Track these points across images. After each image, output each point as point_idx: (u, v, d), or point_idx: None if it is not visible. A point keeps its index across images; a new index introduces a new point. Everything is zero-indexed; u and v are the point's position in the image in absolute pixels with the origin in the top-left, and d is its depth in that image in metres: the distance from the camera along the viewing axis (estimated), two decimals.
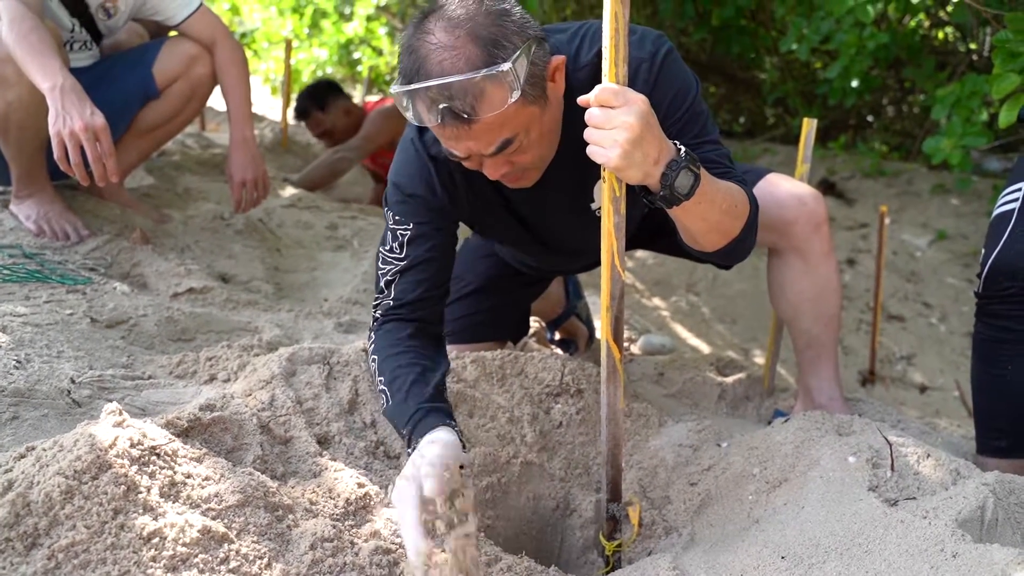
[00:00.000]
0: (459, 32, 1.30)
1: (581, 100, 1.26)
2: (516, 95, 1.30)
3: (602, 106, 1.21)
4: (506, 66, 1.28)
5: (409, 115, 1.37)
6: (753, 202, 1.50)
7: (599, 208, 1.37)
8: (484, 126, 1.32)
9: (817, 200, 1.83)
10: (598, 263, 1.32)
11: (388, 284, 1.61)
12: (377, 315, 1.63)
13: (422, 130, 1.58)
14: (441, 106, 1.29)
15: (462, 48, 1.29)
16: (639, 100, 1.21)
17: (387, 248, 1.61)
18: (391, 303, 1.61)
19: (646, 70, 1.47)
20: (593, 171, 1.32)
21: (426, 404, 1.40)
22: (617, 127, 1.20)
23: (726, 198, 1.41)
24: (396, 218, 1.61)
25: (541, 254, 2.01)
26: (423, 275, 1.61)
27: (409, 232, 1.59)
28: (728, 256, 1.54)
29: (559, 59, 1.42)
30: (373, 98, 6.72)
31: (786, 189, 1.84)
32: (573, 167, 1.54)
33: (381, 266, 1.63)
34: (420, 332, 1.61)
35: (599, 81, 1.23)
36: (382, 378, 1.50)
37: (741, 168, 1.82)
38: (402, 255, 1.59)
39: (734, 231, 1.46)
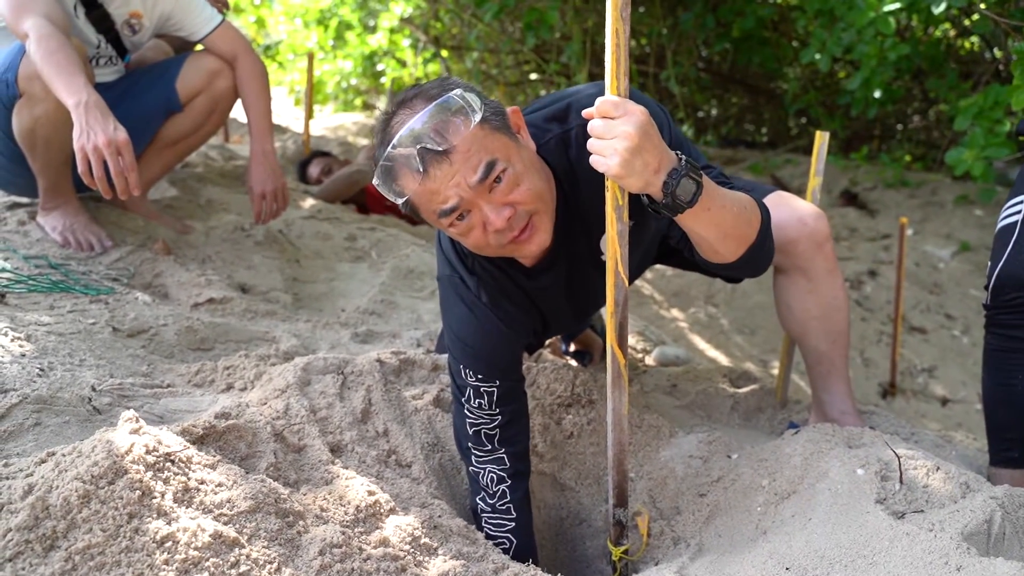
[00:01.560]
0: (412, 102, 1.42)
1: (584, 113, 1.30)
2: (477, 116, 1.36)
3: (603, 117, 1.25)
4: (456, 91, 1.37)
5: (397, 197, 1.41)
6: (763, 207, 1.52)
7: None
8: (461, 154, 1.35)
9: (819, 219, 1.83)
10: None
11: (491, 438, 1.68)
12: (492, 471, 1.68)
13: (465, 283, 1.64)
14: (416, 148, 1.34)
15: (417, 106, 1.40)
16: (638, 111, 1.25)
17: (475, 403, 1.67)
18: (506, 459, 1.68)
19: None
20: (598, 229, 1.37)
21: None
22: (617, 136, 1.24)
23: (735, 203, 1.42)
24: (477, 376, 1.66)
25: (573, 325, 2.14)
26: (523, 424, 1.73)
27: (496, 388, 1.66)
28: (751, 264, 1.54)
29: (513, 109, 1.47)
30: None
31: (788, 208, 1.84)
32: (580, 233, 1.59)
33: (472, 417, 1.68)
34: (528, 477, 1.73)
35: (567, 148, 1.38)
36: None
37: (746, 186, 1.84)
38: (495, 411, 1.67)
39: (750, 236, 1.47)
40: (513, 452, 1.68)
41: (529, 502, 1.71)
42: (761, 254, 1.53)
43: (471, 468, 1.70)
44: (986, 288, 1.85)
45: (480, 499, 1.68)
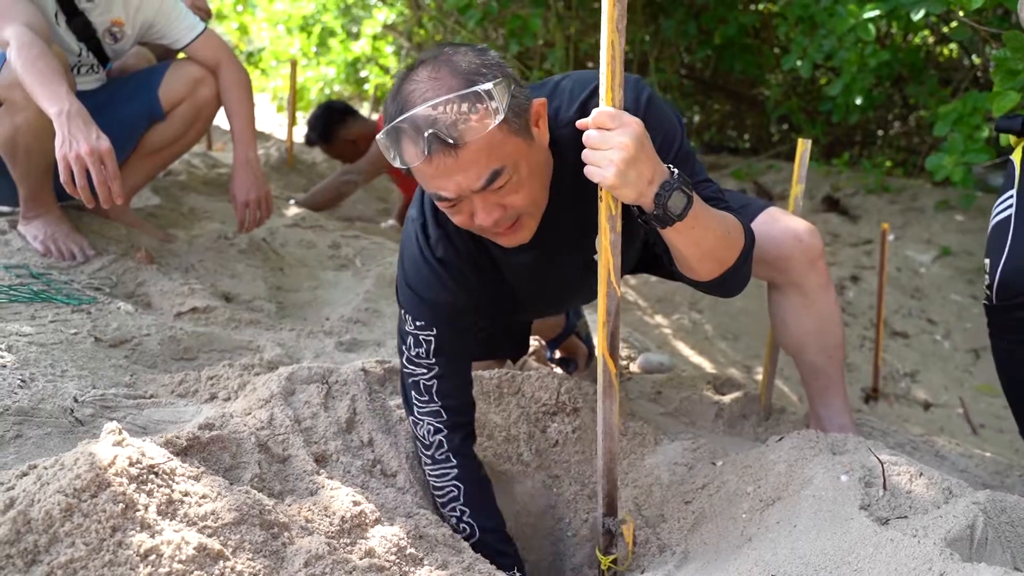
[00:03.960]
0: (440, 69, 1.35)
1: (580, 123, 1.30)
2: (499, 118, 1.31)
3: (599, 128, 1.26)
4: (486, 85, 1.31)
5: (396, 161, 1.37)
6: (748, 233, 1.53)
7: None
8: (471, 154, 1.32)
9: (812, 235, 1.85)
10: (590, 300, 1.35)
11: (428, 389, 1.67)
12: (429, 423, 1.67)
13: (425, 231, 1.62)
14: (427, 133, 1.30)
15: (443, 79, 1.33)
16: (634, 122, 1.26)
17: (413, 352, 1.66)
18: (442, 412, 1.67)
19: None
20: (591, 224, 1.37)
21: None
22: (613, 147, 1.24)
23: (720, 225, 1.44)
24: (417, 323, 1.65)
25: (547, 310, 2.09)
26: (462, 378, 1.70)
27: (434, 339, 1.64)
28: (723, 286, 1.55)
29: (540, 101, 1.44)
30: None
31: (782, 225, 1.85)
32: (571, 224, 1.58)
33: (411, 368, 1.67)
34: (472, 435, 1.72)
35: (580, 139, 1.29)
36: (472, 513, 1.65)
37: (740, 201, 1.85)
38: (432, 361, 1.65)
39: (729, 260, 1.49)
40: (450, 405, 1.67)
41: (471, 451, 1.70)
42: (736, 278, 1.54)
43: (411, 418, 1.70)
44: (988, 288, 1.84)
45: (421, 451, 1.68)
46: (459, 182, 1.36)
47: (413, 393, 1.68)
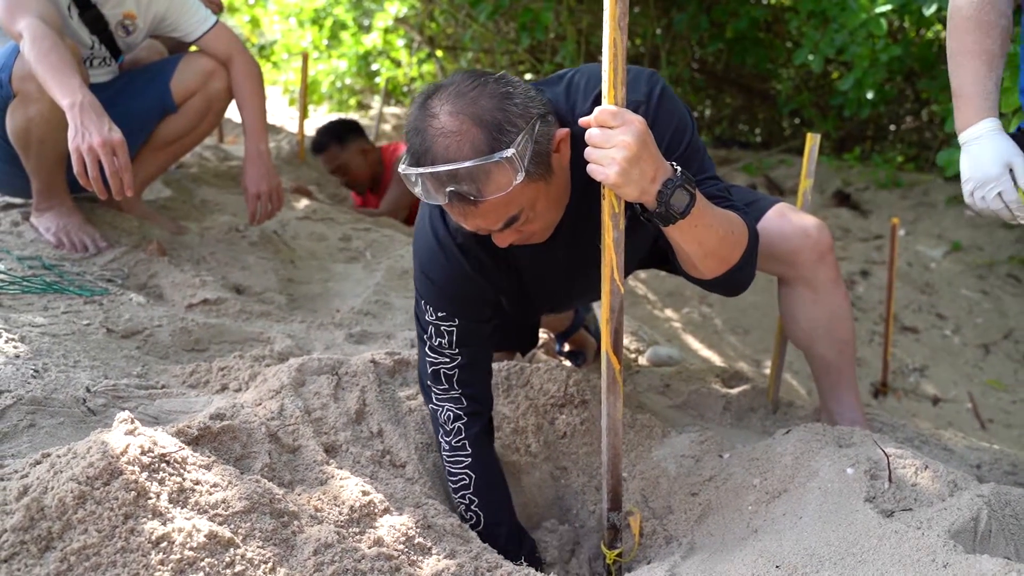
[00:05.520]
0: (463, 117, 1.32)
1: (582, 121, 1.31)
2: (520, 176, 1.33)
3: (601, 126, 1.26)
4: (510, 152, 1.31)
5: (418, 191, 1.38)
6: (753, 232, 1.53)
7: None
8: (490, 205, 1.36)
9: (821, 230, 1.85)
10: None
11: (449, 379, 1.68)
12: (450, 409, 1.69)
13: (443, 217, 1.63)
14: (448, 189, 1.33)
15: (466, 133, 1.32)
16: (636, 121, 1.26)
17: (434, 342, 1.67)
18: (463, 399, 1.69)
19: (643, 111, 1.47)
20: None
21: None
22: (615, 146, 1.25)
23: (723, 224, 1.44)
24: (438, 313, 1.66)
25: (558, 306, 2.13)
26: (482, 368, 1.73)
27: (456, 328, 1.66)
28: (726, 284, 1.56)
29: (563, 132, 1.43)
30: (390, 118, 6.76)
31: (791, 220, 1.86)
32: (587, 218, 1.58)
33: (432, 356, 1.69)
34: (491, 430, 1.75)
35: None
36: (480, 503, 1.67)
37: (749, 197, 1.86)
38: (455, 351, 1.67)
39: (732, 258, 1.49)
40: (471, 394, 1.69)
41: (489, 441, 1.73)
42: (740, 276, 1.55)
43: (430, 406, 1.72)
44: None
45: (440, 438, 1.70)
46: (479, 224, 1.41)
47: (431, 382, 1.70)
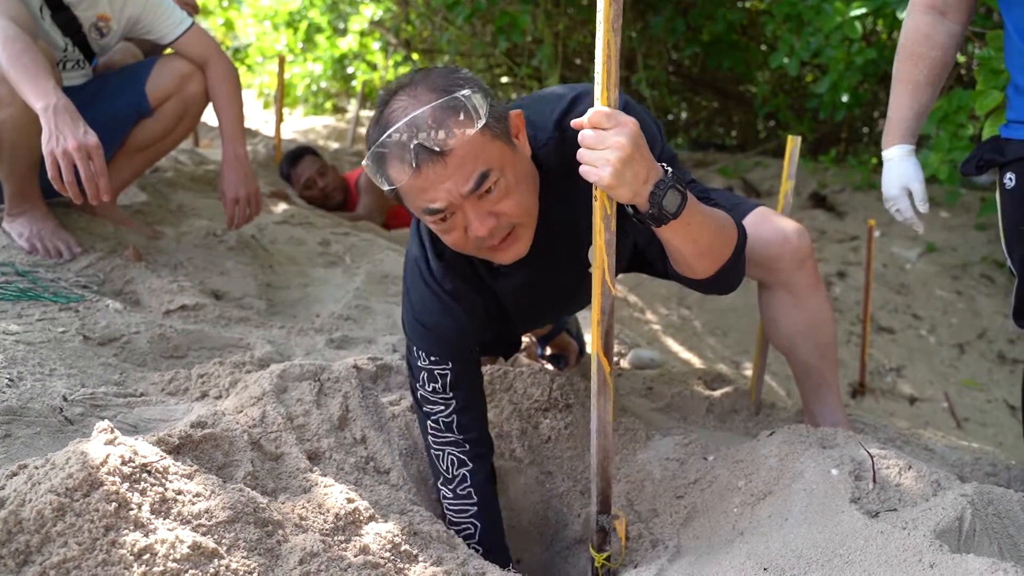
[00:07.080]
0: (416, 88, 1.38)
1: (575, 123, 1.30)
2: (480, 123, 1.34)
3: (595, 128, 1.26)
4: (465, 91, 1.34)
5: (384, 184, 1.38)
6: (741, 228, 1.54)
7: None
8: (457, 159, 1.34)
9: (801, 235, 1.86)
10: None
11: (448, 425, 1.68)
12: (451, 454, 1.68)
13: (428, 266, 1.63)
14: (412, 145, 1.32)
15: (421, 95, 1.36)
16: (630, 122, 1.26)
17: (429, 388, 1.67)
18: (464, 443, 1.68)
19: None
20: (580, 239, 1.39)
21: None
22: (609, 147, 1.25)
23: (714, 221, 1.45)
24: (431, 357, 1.66)
25: (540, 324, 2.16)
26: (479, 410, 1.73)
27: (450, 373, 1.66)
28: (720, 283, 1.57)
29: (516, 113, 1.46)
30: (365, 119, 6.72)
31: (771, 225, 1.86)
32: (560, 241, 1.58)
33: (428, 407, 1.68)
34: (493, 474, 1.75)
35: (564, 152, 1.33)
36: (485, 552, 1.63)
37: (731, 201, 1.87)
38: (449, 395, 1.67)
39: (724, 255, 1.50)
40: (473, 438, 1.68)
41: (493, 485, 1.71)
42: (732, 274, 1.56)
43: (431, 451, 1.70)
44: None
45: (441, 484, 1.69)
46: (449, 189, 1.36)
47: (431, 427, 1.69)
